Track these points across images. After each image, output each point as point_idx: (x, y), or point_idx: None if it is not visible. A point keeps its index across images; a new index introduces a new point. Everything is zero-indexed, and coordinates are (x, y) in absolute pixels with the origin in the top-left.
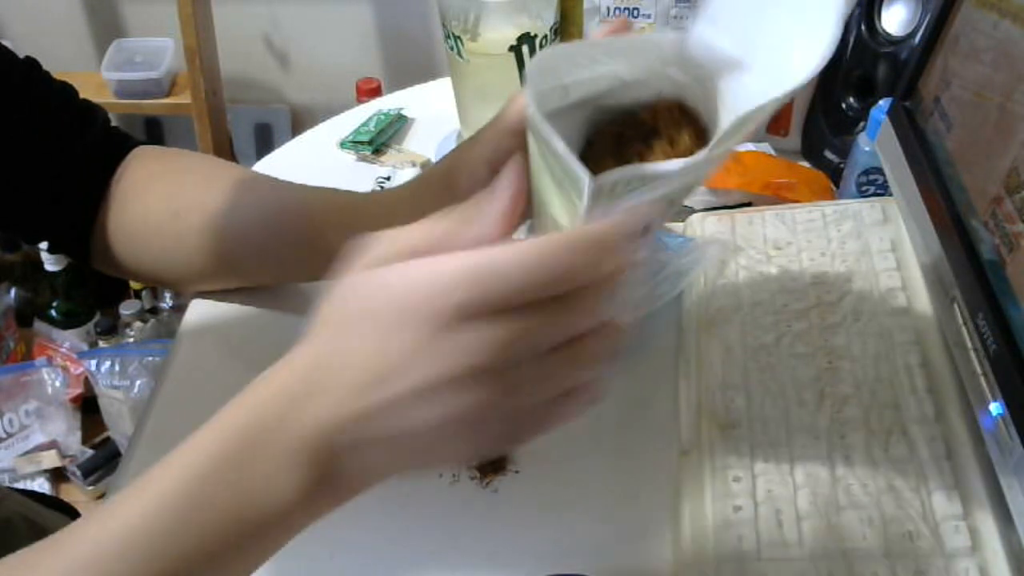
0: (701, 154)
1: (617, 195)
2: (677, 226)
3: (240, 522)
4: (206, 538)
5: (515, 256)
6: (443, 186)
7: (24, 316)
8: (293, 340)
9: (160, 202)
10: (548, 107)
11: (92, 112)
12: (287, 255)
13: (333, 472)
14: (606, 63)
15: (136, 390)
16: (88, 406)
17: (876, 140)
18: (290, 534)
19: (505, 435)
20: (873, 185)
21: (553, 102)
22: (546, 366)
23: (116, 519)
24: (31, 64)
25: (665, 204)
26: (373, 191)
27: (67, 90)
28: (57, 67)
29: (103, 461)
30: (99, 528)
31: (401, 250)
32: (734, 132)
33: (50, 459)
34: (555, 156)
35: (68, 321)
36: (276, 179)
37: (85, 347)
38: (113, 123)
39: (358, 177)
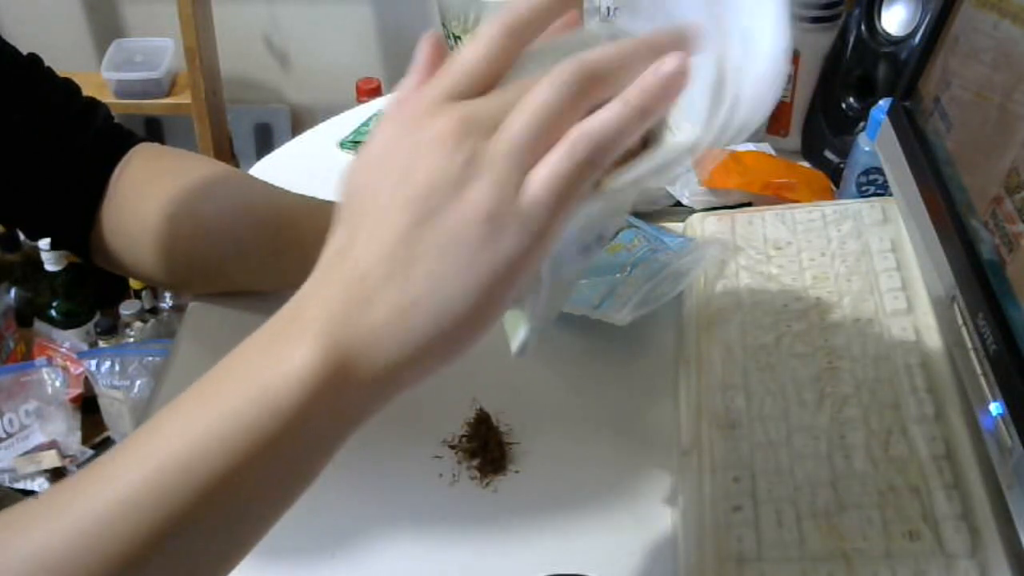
0: (657, 157)
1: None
2: (677, 226)
3: (262, 395)
4: (230, 422)
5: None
6: None
7: (24, 316)
8: None
9: (155, 206)
10: None
11: (94, 109)
12: (285, 272)
13: (350, 325)
14: (544, 65)
15: (136, 390)
16: (88, 406)
17: (876, 140)
18: (305, 446)
19: (495, 215)
20: (873, 185)
21: None
22: (511, 120)
23: (136, 452)
24: (34, 61)
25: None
26: None
27: (69, 87)
28: (57, 67)
29: None
30: (112, 471)
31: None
32: (645, 178)
33: (50, 459)
34: None
35: (68, 321)
36: (276, 190)
37: (85, 347)
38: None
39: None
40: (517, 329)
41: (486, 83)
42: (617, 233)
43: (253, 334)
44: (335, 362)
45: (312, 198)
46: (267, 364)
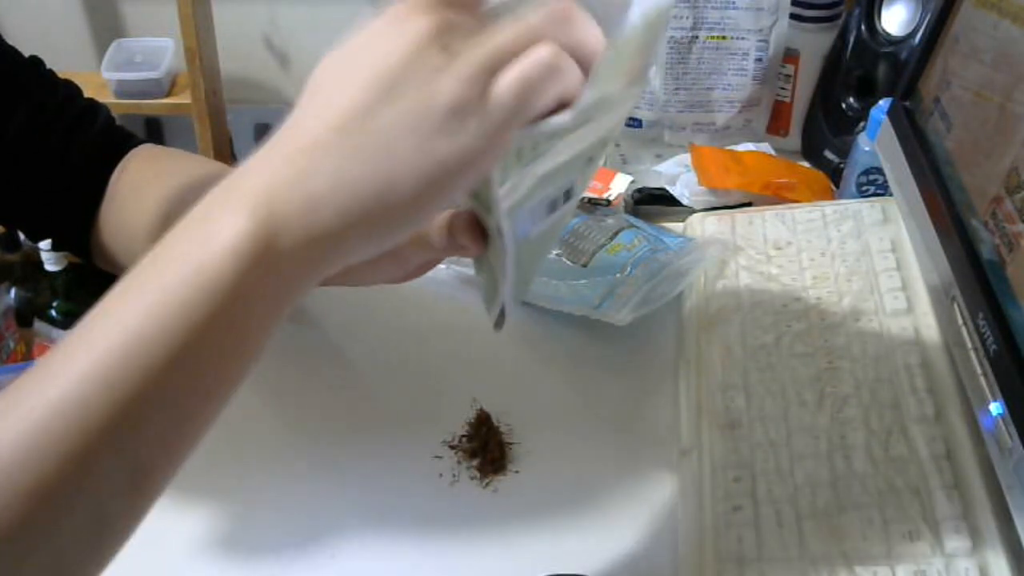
0: (585, 95)
1: (527, 156)
2: (677, 226)
3: (195, 268)
4: (167, 297)
5: None
6: None
7: (24, 316)
8: (291, 340)
9: (153, 207)
10: None
11: (94, 110)
12: None
13: (291, 198)
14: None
15: None
16: None
17: (876, 140)
18: (248, 316)
19: (458, 103)
20: (873, 185)
21: None
22: (488, 34)
23: (89, 335)
24: (35, 62)
25: (584, 161)
26: None
27: (70, 88)
28: (57, 67)
29: None
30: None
31: None
32: (614, 65)
33: None
34: None
35: (68, 321)
36: None
37: None
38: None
39: None
40: (493, 301)
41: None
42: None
43: (192, 209)
44: (268, 231)
45: None
46: (199, 239)
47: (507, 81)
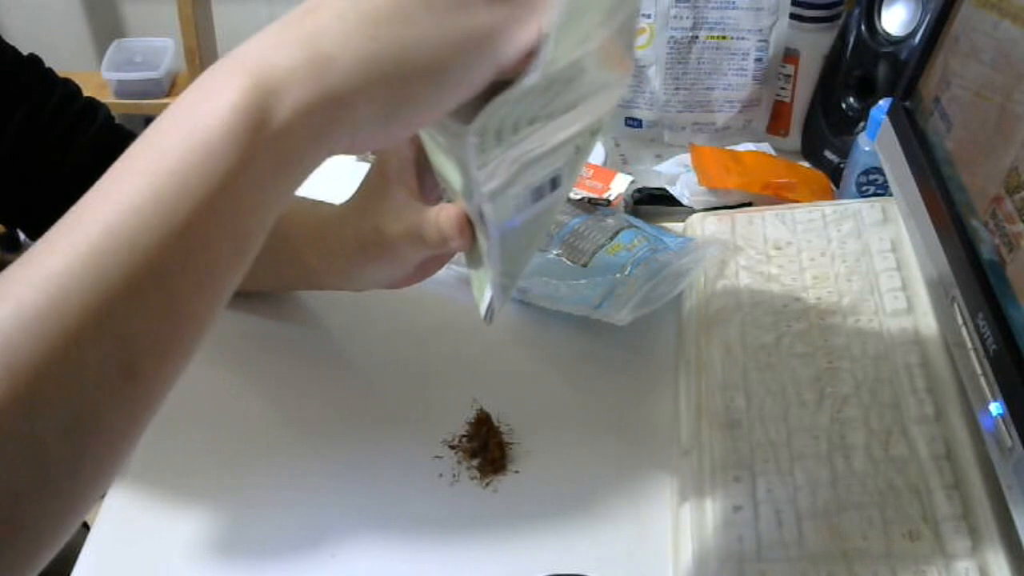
0: (545, 49)
1: (508, 140)
2: (677, 226)
3: (189, 139)
4: (159, 175)
5: None
6: (378, 174)
7: None
8: (291, 340)
9: None
10: None
11: (94, 109)
12: (273, 273)
13: (278, 68)
14: None
15: None
16: None
17: (876, 140)
18: (250, 186)
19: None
20: (873, 185)
21: None
22: None
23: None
24: (34, 61)
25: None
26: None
27: (69, 87)
28: (57, 67)
29: None
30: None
31: None
32: (569, 17)
33: None
34: (436, 126)
35: None
36: None
37: None
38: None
39: (357, 177)
40: (483, 292)
41: None
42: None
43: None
44: (267, 89)
45: (305, 198)
46: (195, 101)
47: None
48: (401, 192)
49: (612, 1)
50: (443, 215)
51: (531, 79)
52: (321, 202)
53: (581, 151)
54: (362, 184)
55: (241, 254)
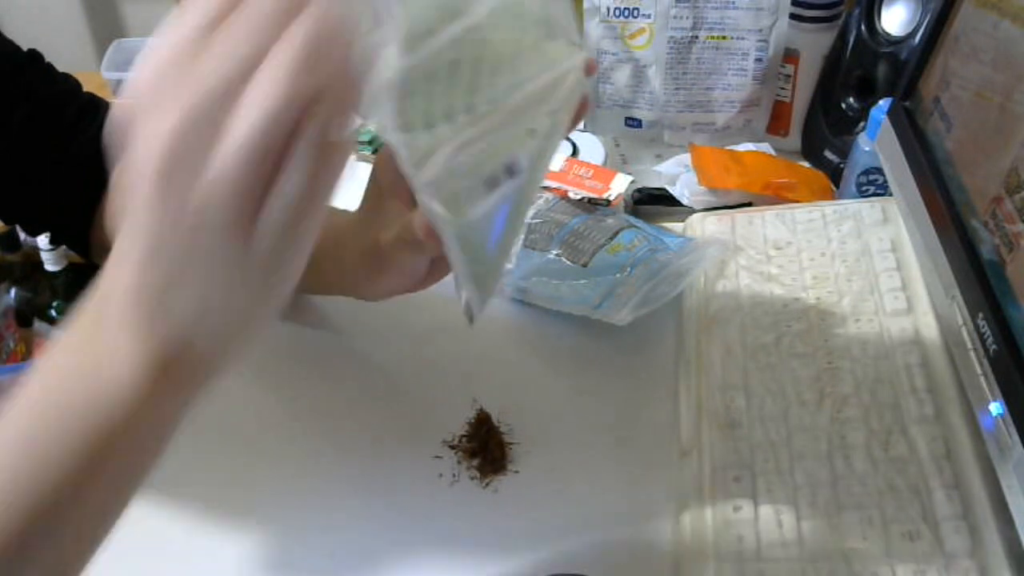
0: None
1: (442, 130)
2: (677, 226)
3: (91, 414)
4: (60, 442)
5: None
6: (374, 187)
7: (24, 316)
8: (291, 340)
9: None
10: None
11: (96, 105)
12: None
13: (164, 332)
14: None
15: None
16: None
17: (876, 140)
18: (146, 438)
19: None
20: (873, 185)
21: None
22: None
23: None
24: (35, 56)
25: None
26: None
27: (71, 83)
28: (57, 67)
29: None
30: None
31: None
32: None
33: None
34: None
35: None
36: None
37: None
38: None
39: (358, 177)
40: (460, 293)
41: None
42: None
43: (60, 341)
44: (154, 358)
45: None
46: (87, 374)
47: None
48: (395, 203)
49: None
50: (416, 218)
51: (392, 65)
52: (336, 210)
53: (537, 134)
54: (363, 196)
55: (137, 480)
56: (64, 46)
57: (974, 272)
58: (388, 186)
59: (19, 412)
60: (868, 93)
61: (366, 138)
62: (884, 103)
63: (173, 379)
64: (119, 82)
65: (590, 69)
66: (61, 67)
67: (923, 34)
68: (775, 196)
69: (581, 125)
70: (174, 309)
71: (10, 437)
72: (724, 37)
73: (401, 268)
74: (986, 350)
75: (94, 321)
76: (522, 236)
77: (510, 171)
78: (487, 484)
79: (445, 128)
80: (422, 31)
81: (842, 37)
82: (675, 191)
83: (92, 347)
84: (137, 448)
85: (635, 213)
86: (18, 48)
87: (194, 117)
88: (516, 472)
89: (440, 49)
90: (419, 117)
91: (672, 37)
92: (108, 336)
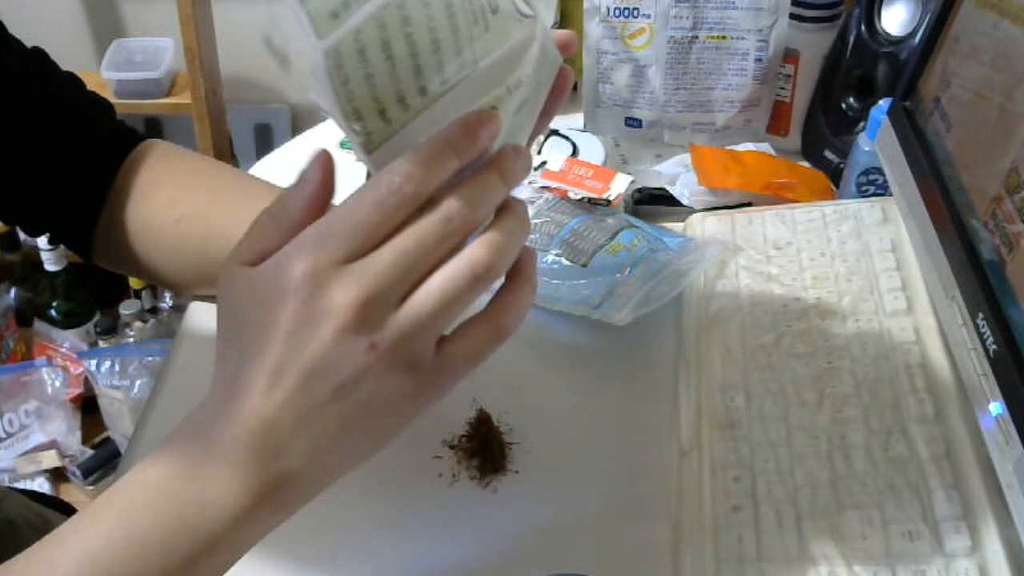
0: None
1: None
2: (677, 226)
3: (194, 534)
4: (162, 555)
5: (345, 203)
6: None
7: (24, 316)
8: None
9: (163, 205)
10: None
11: (100, 105)
12: None
13: (273, 476)
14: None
15: (136, 390)
16: (88, 406)
17: (876, 140)
18: (240, 549)
19: (413, 388)
20: (873, 185)
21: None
22: (417, 304)
23: (72, 544)
24: (40, 54)
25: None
26: None
27: (75, 81)
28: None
29: (103, 461)
30: (52, 552)
31: (242, 262)
32: None
33: (50, 459)
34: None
35: (68, 321)
36: (277, 188)
37: (85, 347)
38: None
39: (358, 177)
40: None
41: (375, 242)
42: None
43: (164, 464)
44: (259, 495)
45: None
46: (196, 510)
47: (462, 358)
48: None
49: None
50: None
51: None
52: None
53: (508, 114)
54: None
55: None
56: (64, 46)
57: (974, 272)
58: None
59: (114, 521)
60: (868, 93)
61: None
62: (884, 103)
63: (276, 509)
64: (119, 82)
65: (567, 47)
66: (61, 67)
67: (923, 34)
68: (775, 196)
69: (581, 125)
70: (295, 453)
71: (103, 548)
72: (724, 37)
73: None
74: (986, 350)
75: (202, 447)
76: None
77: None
78: (487, 484)
79: (398, 112)
80: (326, 13)
81: (842, 37)
82: (675, 191)
83: (198, 472)
84: (223, 560)
85: (635, 213)
86: (22, 45)
87: (381, 286)
88: (516, 472)
89: (356, 28)
90: (368, 104)
91: (672, 37)
92: (216, 466)
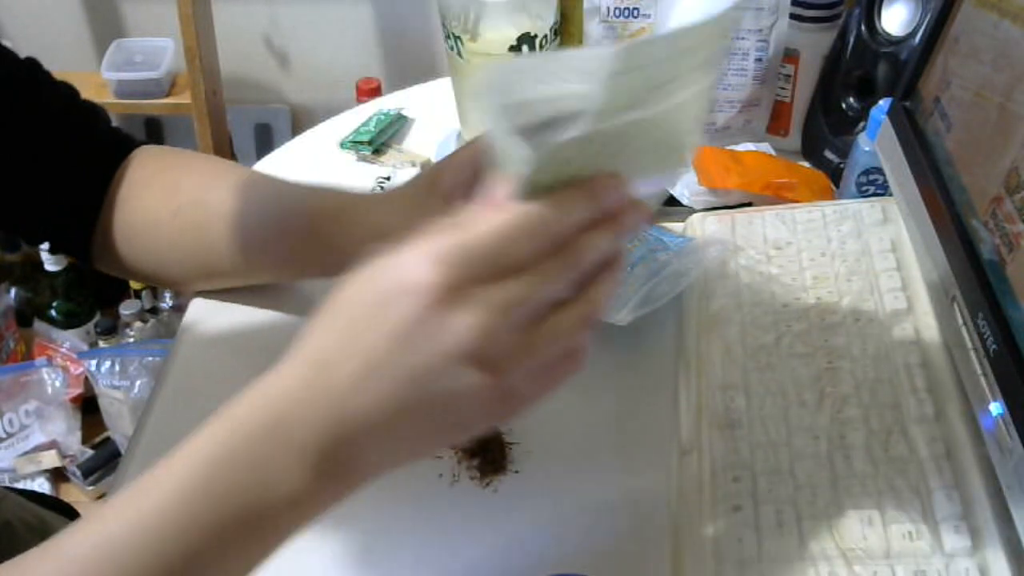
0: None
1: (536, 133)
2: (677, 226)
3: (251, 514)
4: (216, 530)
5: (487, 225)
6: (428, 183)
7: (24, 316)
8: (290, 337)
9: (159, 200)
10: (517, 122)
11: (93, 113)
12: (288, 254)
13: (339, 463)
14: (566, 79)
15: (136, 390)
16: (88, 406)
17: (876, 140)
18: (298, 527)
19: (496, 412)
20: (873, 185)
21: (522, 118)
22: (531, 340)
23: (123, 516)
24: (32, 64)
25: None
26: (373, 191)
27: (68, 91)
28: (57, 67)
29: (103, 461)
30: (103, 526)
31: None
32: (667, 44)
33: (50, 459)
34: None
35: (68, 321)
36: (276, 178)
37: (85, 347)
38: (113, 123)
39: (358, 177)
40: None
41: (508, 272)
42: None
43: (231, 438)
44: (323, 483)
45: (314, 185)
46: (257, 491)
47: (539, 388)
48: (443, 206)
49: (685, 67)
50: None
51: (577, 130)
52: (362, 194)
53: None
54: (408, 185)
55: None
56: (64, 46)
57: (974, 272)
58: (447, 191)
59: (170, 493)
60: (868, 93)
61: (365, 138)
62: (884, 103)
63: (339, 494)
64: (119, 82)
65: None
66: (61, 67)
67: (923, 34)
68: (775, 196)
69: None
70: (366, 451)
71: (155, 516)
72: None
73: None
74: (986, 350)
75: (273, 424)
76: None
77: None
78: (487, 484)
79: (568, 176)
80: (606, 111)
81: (842, 37)
82: (675, 191)
83: (266, 451)
84: (278, 538)
85: None
86: (15, 55)
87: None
88: (516, 472)
89: (609, 128)
90: (547, 176)
91: None
92: (284, 450)
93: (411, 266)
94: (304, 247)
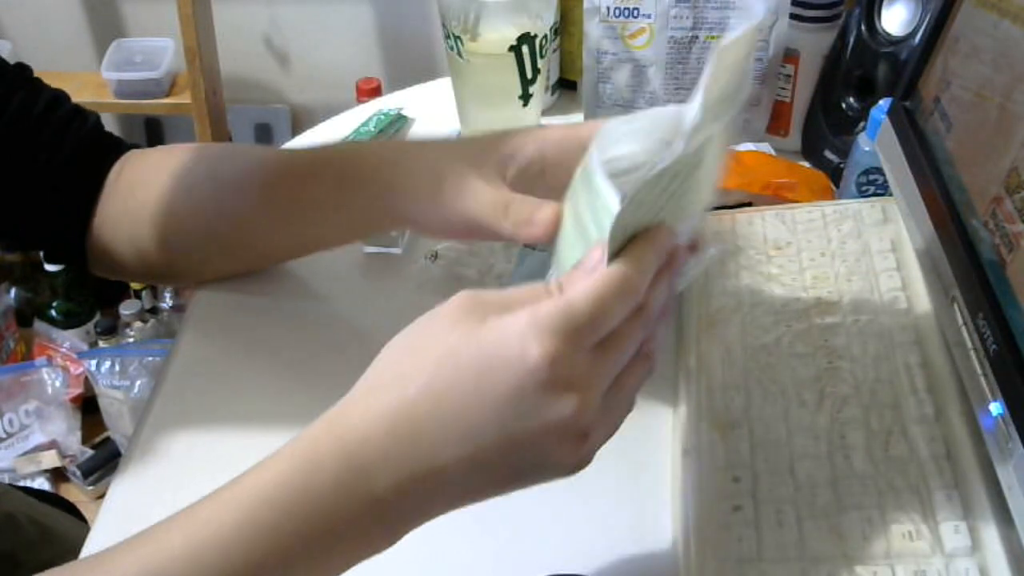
0: (694, 110)
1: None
2: None
3: (313, 551)
4: (280, 561)
5: (586, 294)
6: (493, 160)
7: (24, 316)
8: (294, 340)
9: (157, 191)
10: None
11: (83, 117)
12: (287, 227)
13: (407, 512)
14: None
15: (136, 390)
16: (88, 406)
17: (876, 140)
18: (348, 565)
19: (571, 473)
20: (873, 185)
21: (610, 167)
22: (611, 404)
23: (180, 543)
24: (21, 68)
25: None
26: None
27: (58, 96)
28: (57, 67)
29: (103, 461)
30: (157, 548)
31: (489, 303)
32: (717, 79)
33: (50, 459)
34: (593, 191)
35: (68, 321)
36: (264, 148)
37: (85, 347)
38: (113, 123)
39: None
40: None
41: (604, 336)
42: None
43: (308, 479)
44: (385, 529)
45: (306, 149)
46: (325, 536)
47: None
48: (501, 184)
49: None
50: (540, 212)
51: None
52: (354, 145)
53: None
54: (467, 145)
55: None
56: (64, 46)
57: (974, 272)
58: (510, 174)
59: (251, 511)
60: (868, 93)
61: (365, 138)
62: (884, 103)
63: (395, 538)
64: (119, 82)
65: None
66: (61, 67)
67: (923, 34)
68: (775, 196)
69: None
70: (438, 504)
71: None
72: None
73: (475, 220)
74: (986, 350)
75: (352, 484)
76: None
77: None
78: None
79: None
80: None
81: (842, 37)
82: None
83: (340, 508)
84: (328, 569)
85: None
86: (4, 62)
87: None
88: None
89: (678, 165)
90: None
91: (672, 37)
92: (367, 514)
93: (516, 337)
94: (312, 223)
